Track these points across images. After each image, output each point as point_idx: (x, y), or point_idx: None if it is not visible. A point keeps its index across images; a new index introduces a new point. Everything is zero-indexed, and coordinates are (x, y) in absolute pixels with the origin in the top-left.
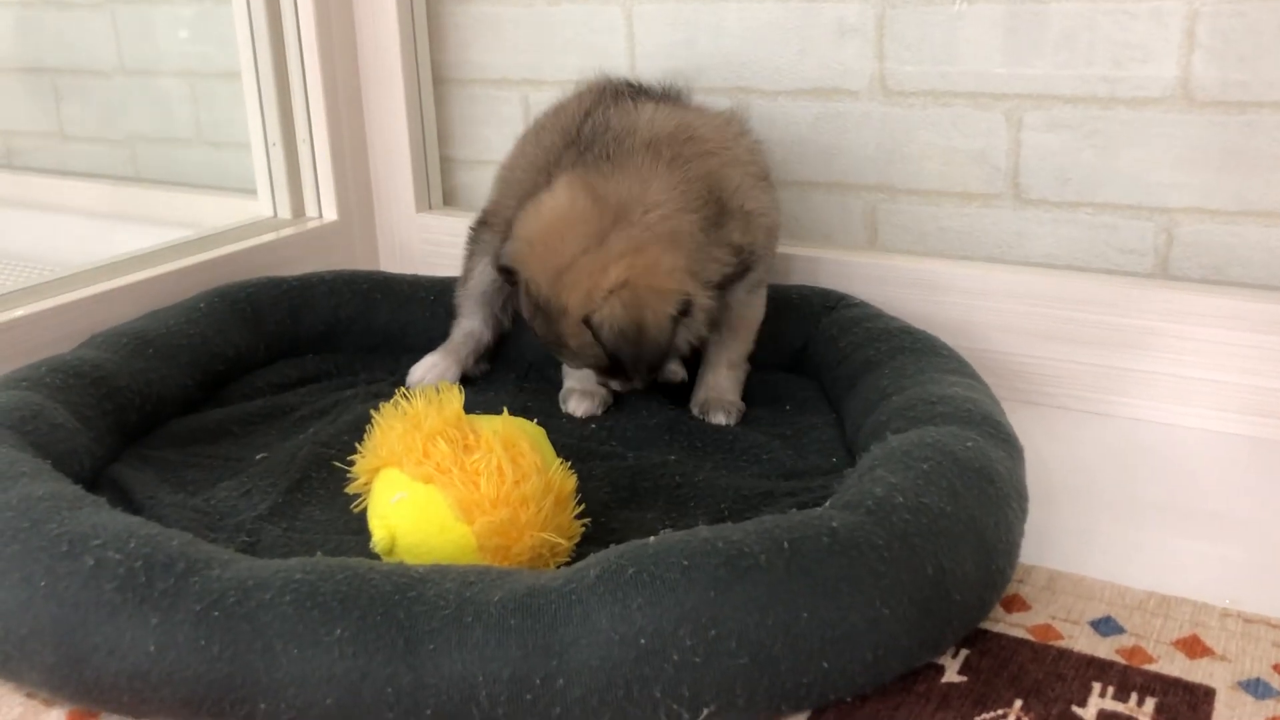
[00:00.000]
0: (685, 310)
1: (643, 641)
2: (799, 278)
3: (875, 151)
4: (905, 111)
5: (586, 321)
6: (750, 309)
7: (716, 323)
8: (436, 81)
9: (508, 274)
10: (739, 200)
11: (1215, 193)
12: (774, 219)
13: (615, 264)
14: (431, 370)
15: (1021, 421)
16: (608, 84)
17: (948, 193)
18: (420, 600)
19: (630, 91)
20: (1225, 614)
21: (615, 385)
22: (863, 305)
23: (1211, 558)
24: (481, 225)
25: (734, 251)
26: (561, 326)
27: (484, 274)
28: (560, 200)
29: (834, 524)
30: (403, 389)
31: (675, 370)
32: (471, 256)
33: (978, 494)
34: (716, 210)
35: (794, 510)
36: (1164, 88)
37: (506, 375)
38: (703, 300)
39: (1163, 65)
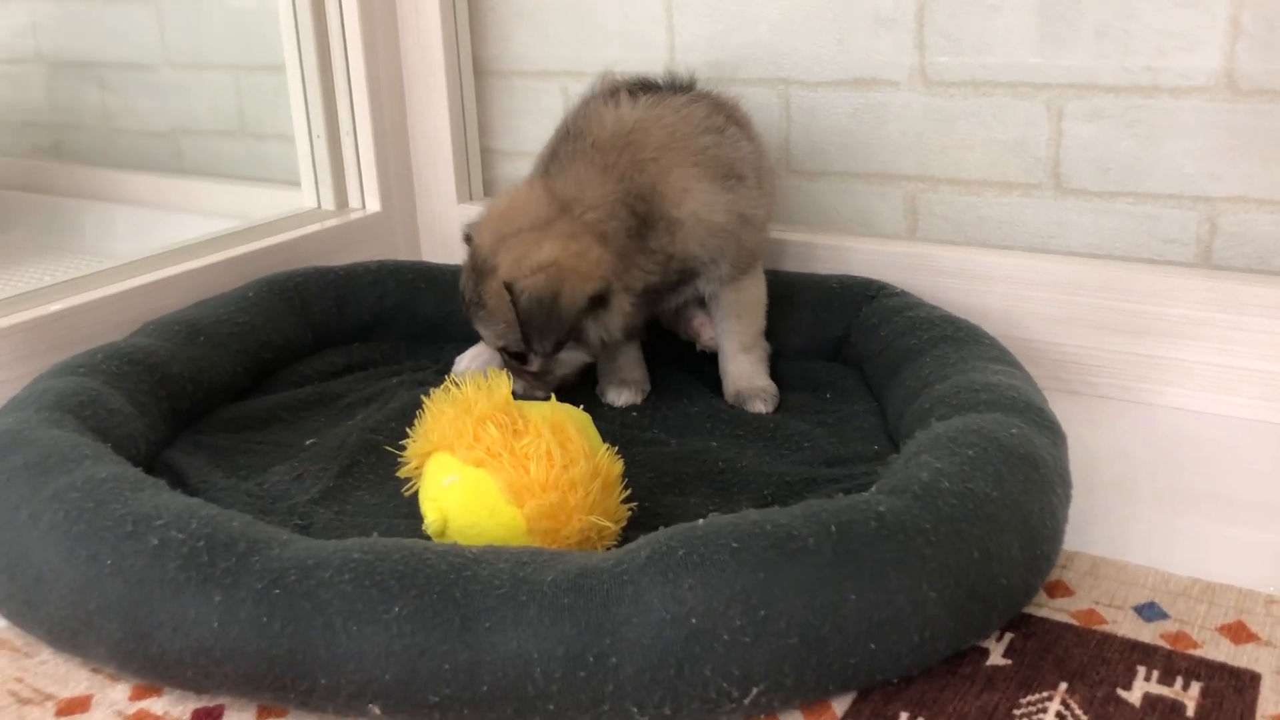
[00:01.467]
0: (601, 299)
1: (693, 621)
2: (839, 267)
3: (915, 142)
4: (945, 102)
5: (509, 286)
6: (745, 293)
7: (713, 312)
8: (477, 73)
9: (467, 239)
10: (669, 208)
11: (1259, 182)
12: (726, 218)
13: (551, 242)
14: (477, 359)
15: (1063, 410)
16: (616, 80)
17: (988, 182)
18: (475, 580)
19: (629, 88)
20: (1270, 600)
21: (515, 374)
22: (903, 294)
23: (1256, 545)
24: None
25: (663, 260)
26: (486, 285)
27: None
28: (522, 190)
29: (881, 508)
30: (451, 376)
31: (713, 338)
32: None
33: (1022, 480)
34: (640, 221)
35: (840, 495)
36: (1207, 77)
37: None
38: (623, 302)
39: (1206, 54)
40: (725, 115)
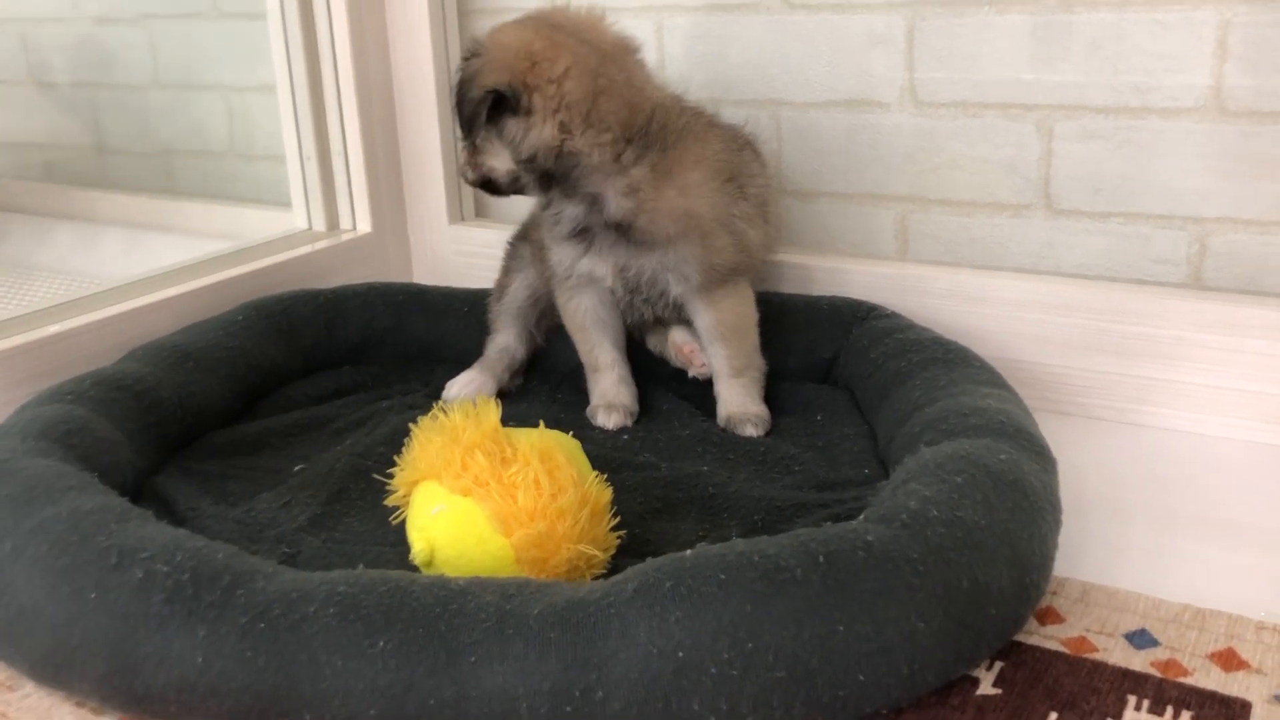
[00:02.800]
0: (506, 103)
1: (681, 655)
2: (829, 288)
3: (905, 162)
4: (935, 122)
5: (462, 61)
6: (726, 314)
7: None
8: None
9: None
10: (673, 160)
11: (1249, 203)
12: (710, 213)
13: (517, 31)
14: (468, 386)
15: (1053, 432)
16: None
17: (979, 203)
18: (461, 613)
19: None
20: (1261, 626)
21: (464, 159)
22: (894, 316)
23: (1246, 570)
24: (519, 240)
25: (617, 145)
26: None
27: (519, 289)
28: None
29: (869, 537)
30: (440, 403)
31: (706, 364)
32: (508, 272)
33: (1012, 507)
34: (632, 127)
35: (828, 523)
36: (1196, 97)
37: (540, 387)
38: (548, 126)
39: (1195, 75)
40: (745, 141)
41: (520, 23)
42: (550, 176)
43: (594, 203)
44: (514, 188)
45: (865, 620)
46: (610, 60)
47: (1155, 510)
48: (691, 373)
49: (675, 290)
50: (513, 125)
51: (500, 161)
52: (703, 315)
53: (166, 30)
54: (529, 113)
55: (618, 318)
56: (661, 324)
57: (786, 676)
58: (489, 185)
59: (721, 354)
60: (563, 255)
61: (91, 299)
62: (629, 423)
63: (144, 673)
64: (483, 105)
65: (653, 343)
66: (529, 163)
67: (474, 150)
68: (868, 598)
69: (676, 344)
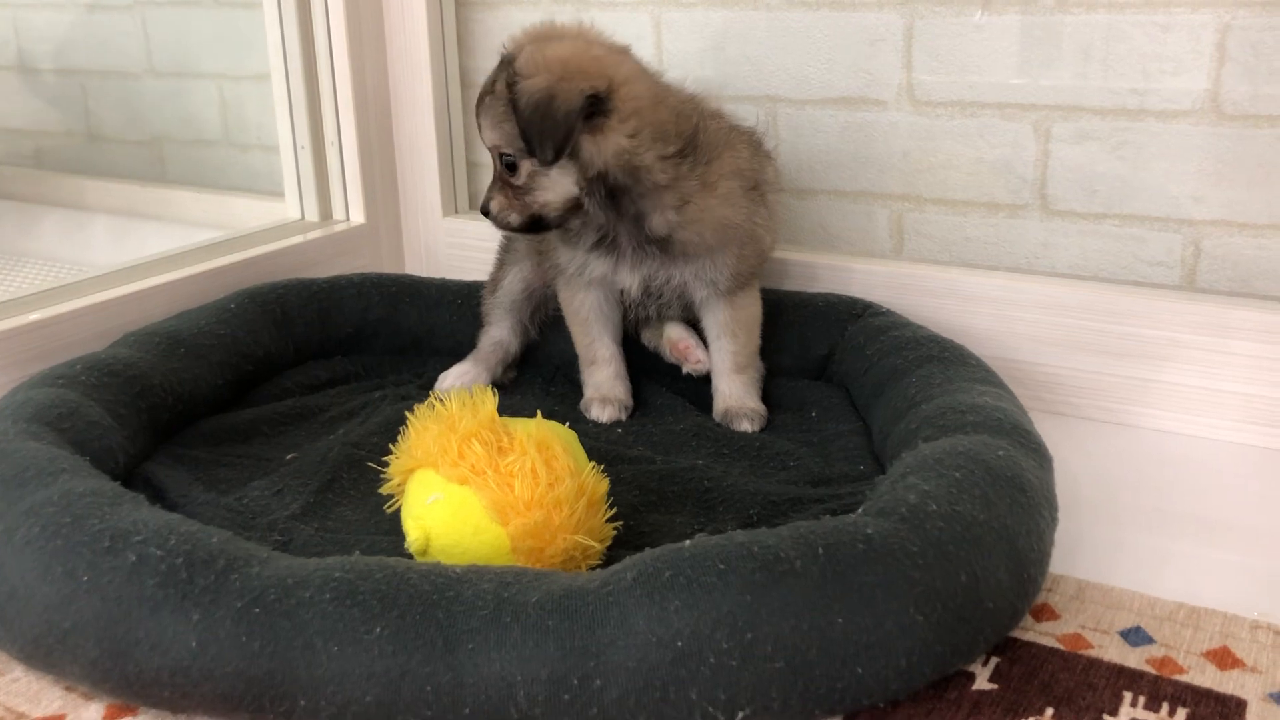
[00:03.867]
0: (601, 104)
1: (679, 644)
2: (825, 285)
3: (902, 161)
4: (932, 121)
5: (512, 79)
6: (741, 311)
7: (712, 326)
8: (464, 86)
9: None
10: (711, 171)
11: (1244, 206)
12: (742, 221)
13: (572, 42)
14: (462, 377)
15: (1048, 432)
16: None
17: (974, 203)
18: (459, 600)
19: None
20: (1255, 626)
21: (499, 189)
22: (889, 314)
23: (1240, 569)
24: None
25: (674, 173)
26: (501, 75)
27: (514, 283)
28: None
29: (869, 530)
30: (435, 393)
31: (701, 359)
32: (502, 266)
33: (1009, 503)
34: (682, 139)
35: (827, 516)
36: (1194, 100)
37: (533, 379)
38: (620, 135)
39: (1193, 78)
40: (760, 146)
41: (553, 38)
42: (614, 194)
43: (636, 219)
44: (565, 219)
45: (864, 612)
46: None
47: (1148, 510)
48: (686, 369)
49: (700, 295)
50: (587, 141)
51: (558, 191)
52: (719, 312)
53: (161, 18)
54: (612, 114)
55: (619, 313)
56: (659, 319)
57: (785, 667)
58: (536, 224)
59: (728, 349)
60: (579, 261)
61: (82, 284)
62: (623, 417)
63: (137, 656)
64: (579, 115)
65: (647, 337)
66: (599, 179)
67: (519, 190)
68: (867, 590)
69: (672, 340)
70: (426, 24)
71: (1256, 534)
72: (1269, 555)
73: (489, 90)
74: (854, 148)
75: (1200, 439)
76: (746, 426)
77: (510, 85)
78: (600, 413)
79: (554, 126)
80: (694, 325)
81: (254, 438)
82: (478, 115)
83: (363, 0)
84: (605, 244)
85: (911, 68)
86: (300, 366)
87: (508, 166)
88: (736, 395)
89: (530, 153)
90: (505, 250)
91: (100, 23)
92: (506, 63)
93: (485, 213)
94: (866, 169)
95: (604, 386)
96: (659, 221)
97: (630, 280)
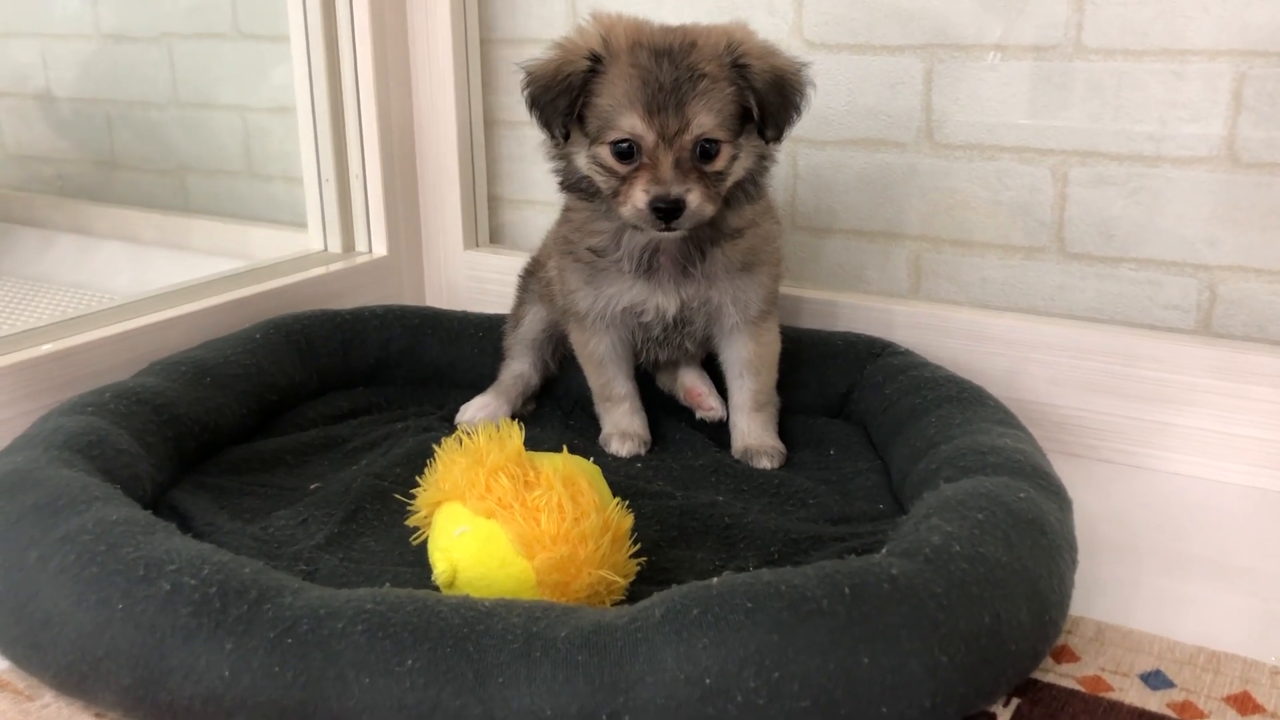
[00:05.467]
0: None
1: (708, 681)
2: (843, 324)
3: (921, 202)
4: (951, 164)
5: (742, 54)
6: (764, 349)
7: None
8: (488, 123)
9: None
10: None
11: (1258, 251)
12: (775, 234)
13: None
14: (483, 410)
15: (1065, 474)
16: None
17: (992, 244)
18: (489, 634)
19: None
20: (1275, 671)
21: (677, 178)
22: (907, 353)
23: (1260, 615)
24: (529, 275)
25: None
26: (692, 60)
27: (534, 320)
28: None
29: (893, 571)
30: (460, 425)
31: (714, 407)
32: (522, 304)
33: (1031, 545)
34: None
35: (850, 556)
36: (1210, 147)
37: (553, 413)
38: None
39: (1209, 125)
40: None
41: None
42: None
43: (712, 225)
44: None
45: (889, 653)
46: None
47: (1166, 553)
48: (699, 415)
49: (731, 321)
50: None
51: (741, 172)
52: (742, 348)
53: (187, 49)
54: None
55: (632, 354)
56: (672, 364)
57: (811, 706)
58: (723, 193)
59: (749, 388)
60: (606, 295)
61: (108, 313)
62: (642, 451)
63: (170, 684)
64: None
65: (662, 381)
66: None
67: (714, 176)
68: (892, 630)
69: (686, 386)
70: (452, 59)
71: (1275, 579)
72: None
73: (690, 70)
74: (873, 188)
75: (1217, 483)
76: (766, 464)
77: (738, 66)
78: (620, 447)
79: (788, 108)
80: (707, 367)
81: (278, 467)
82: (681, 103)
83: (389, 35)
84: (644, 267)
85: (930, 110)
86: (323, 397)
87: (704, 154)
88: (756, 433)
89: (759, 133)
90: (524, 289)
91: (126, 53)
92: (692, 48)
93: (676, 206)
94: (885, 209)
95: (622, 422)
96: (735, 218)
97: (668, 304)
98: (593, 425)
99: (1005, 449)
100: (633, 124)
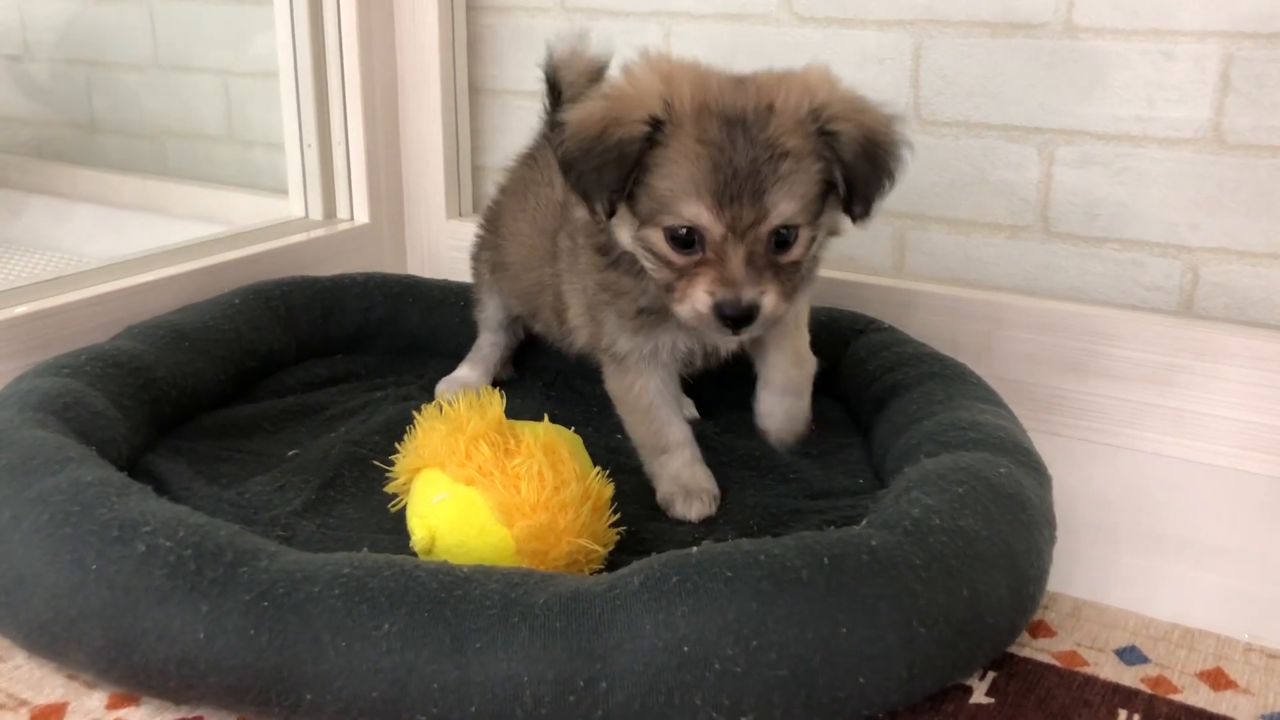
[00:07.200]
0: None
1: (685, 649)
2: (826, 300)
3: (905, 179)
4: (938, 141)
5: (819, 120)
6: (805, 334)
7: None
8: (472, 90)
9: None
10: None
11: (1241, 234)
12: None
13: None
14: (462, 384)
15: (1044, 452)
16: None
17: (976, 222)
18: (467, 599)
19: None
20: (1248, 649)
21: (749, 278)
22: (891, 330)
23: (1234, 593)
24: (480, 259)
25: None
26: (770, 133)
27: (495, 310)
28: None
29: (873, 542)
30: (440, 395)
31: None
32: (479, 289)
33: (1010, 520)
34: None
35: (830, 528)
36: (1196, 129)
37: (534, 383)
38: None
39: (1196, 107)
40: None
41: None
42: None
43: None
44: None
45: (868, 623)
46: None
47: (1144, 532)
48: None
49: (777, 331)
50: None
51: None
52: (788, 349)
53: (168, 11)
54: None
55: (680, 390)
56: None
57: (789, 675)
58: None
59: (796, 374)
60: (656, 340)
61: (86, 275)
62: (713, 510)
63: (143, 646)
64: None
65: None
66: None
67: (788, 269)
68: (871, 601)
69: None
70: (437, 27)
71: (1250, 559)
72: (1262, 580)
73: (770, 155)
74: None
75: (1196, 464)
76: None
77: (825, 133)
78: (686, 509)
79: (880, 177)
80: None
81: (255, 433)
82: (758, 191)
83: (374, 1)
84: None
85: (919, 86)
86: (302, 364)
87: (779, 243)
88: (787, 418)
89: (846, 209)
90: (478, 275)
91: (107, 15)
92: (769, 114)
93: (747, 315)
94: None
95: (684, 475)
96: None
97: (730, 343)
98: (574, 397)
99: (986, 425)
100: (697, 213)
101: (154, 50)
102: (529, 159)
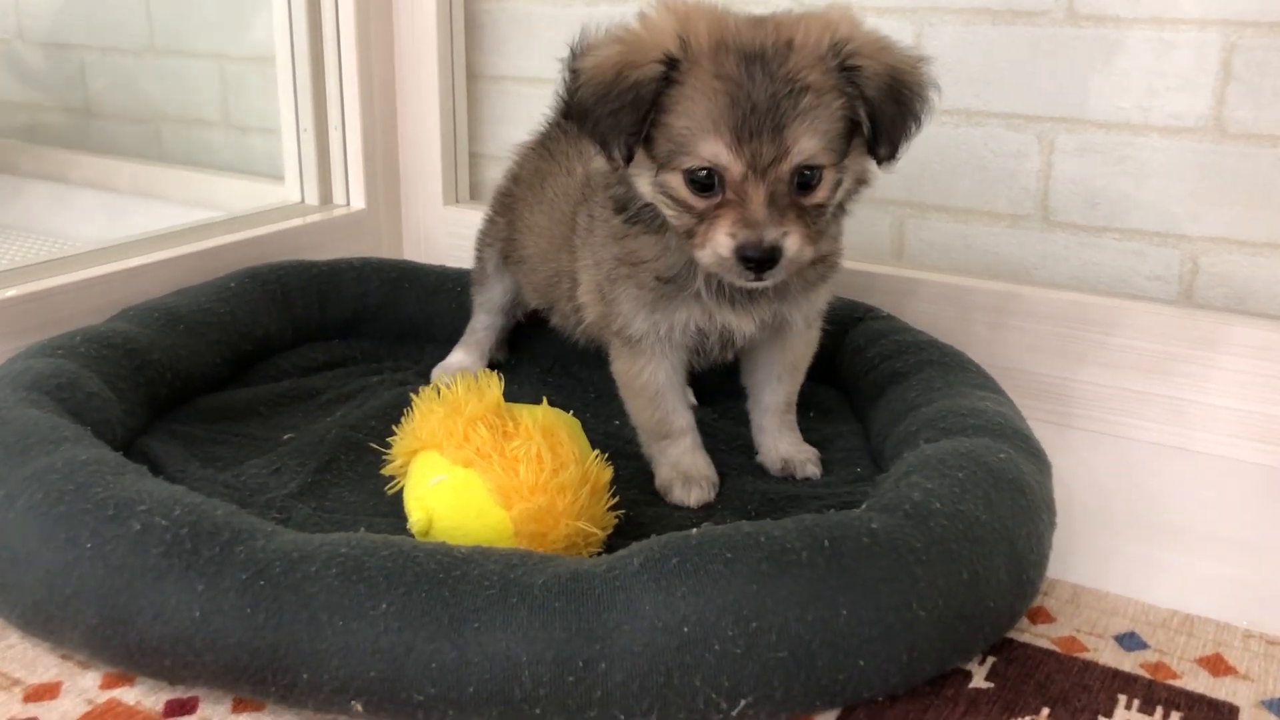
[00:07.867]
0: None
1: (685, 630)
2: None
3: (906, 167)
4: (938, 129)
5: (840, 56)
6: (810, 345)
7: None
8: (470, 77)
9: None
10: None
11: (1241, 224)
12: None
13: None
14: (458, 369)
15: (1044, 440)
16: None
17: (977, 211)
18: (465, 579)
19: None
20: (1248, 635)
21: (773, 219)
22: (890, 318)
23: (1232, 580)
24: (486, 246)
25: None
26: (790, 68)
27: (502, 292)
28: None
29: (873, 525)
30: (435, 379)
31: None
32: (485, 267)
33: (1010, 504)
34: None
35: (830, 512)
36: (1197, 118)
37: (531, 369)
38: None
39: (1197, 96)
40: None
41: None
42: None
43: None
44: None
45: (868, 606)
46: None
47: (1142, 520)
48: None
49: (794, 331)
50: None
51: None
52: (790, 351)
53: None
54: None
55: (686, 377)
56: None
57: (788, 657)
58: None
59: (783, 391)
60: (670, 320)
61: (82, 258)
62: (712, 497)
63: (139, 624)
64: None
65: None
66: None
67: (814, 210)
68: (871, 584)
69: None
70: (435, 12)
71: (1248, 547)
72: (1260, 568)
73: (790, 89)
74: None
75: (1195, 453)
76: (813, 471)
77: (847, 69)
78: (685, 495)
79: (906, 118)
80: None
81: (250, 417)
82: (779, 126)
83: None
84: (724, 293)
85: None
86: (298, 348)
87: (802, 184)
88: (793, 442)
89: (870, 150)
90: (483, 260)
91: None
92: (789, 49)
93: (770, 256)
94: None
95: (684, 462)
96: (825, 243)
97: (745, 326)
98: (571, 383)
99: (986, 411)
100: (716, 152)
101: (149, 34)
102: (541, 149)
